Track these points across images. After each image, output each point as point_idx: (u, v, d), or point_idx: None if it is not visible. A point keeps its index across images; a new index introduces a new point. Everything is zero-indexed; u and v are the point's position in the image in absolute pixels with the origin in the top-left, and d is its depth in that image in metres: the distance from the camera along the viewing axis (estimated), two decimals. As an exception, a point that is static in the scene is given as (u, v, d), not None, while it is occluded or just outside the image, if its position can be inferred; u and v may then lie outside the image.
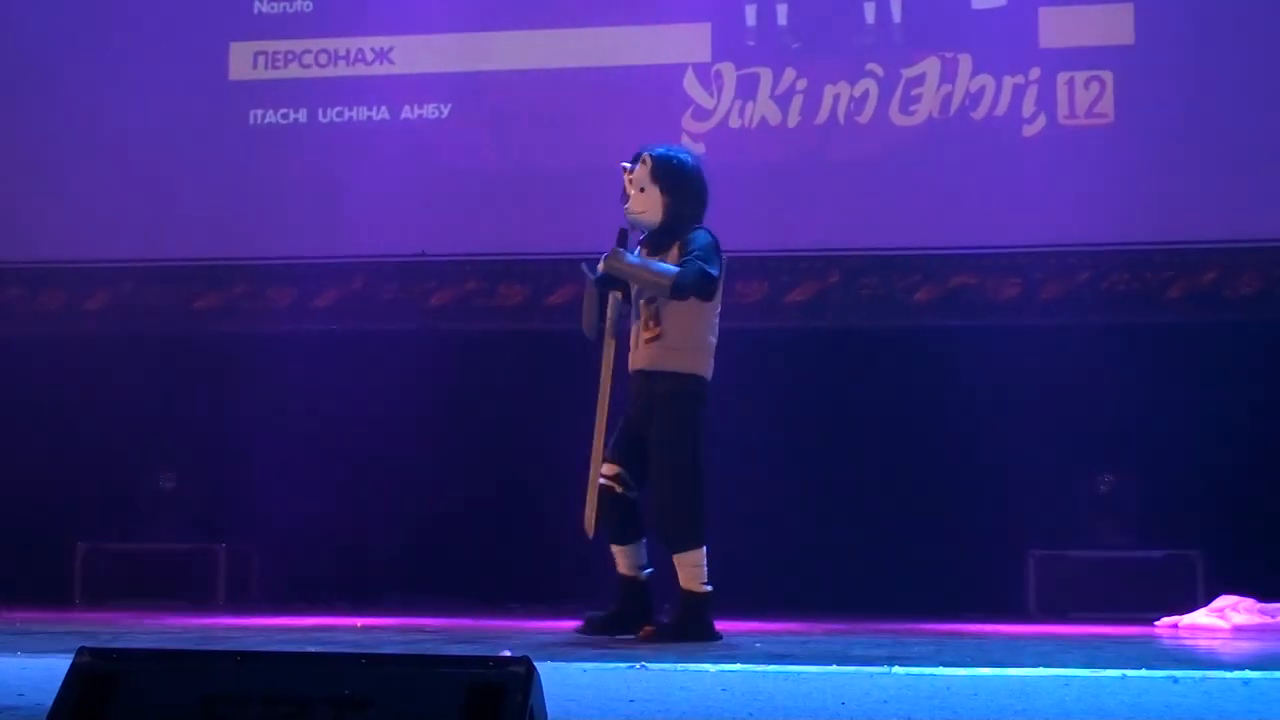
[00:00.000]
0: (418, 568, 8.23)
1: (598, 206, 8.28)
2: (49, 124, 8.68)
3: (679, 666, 3.60)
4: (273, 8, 8.77)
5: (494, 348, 8.39)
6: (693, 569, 5.23)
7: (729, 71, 8.36)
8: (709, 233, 5.39)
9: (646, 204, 5.40)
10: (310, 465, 8.12)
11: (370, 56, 8.65)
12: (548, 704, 2.16)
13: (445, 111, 8.56)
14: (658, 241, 5.41)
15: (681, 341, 5.28)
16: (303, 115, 8.66)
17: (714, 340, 5.39)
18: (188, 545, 8.22)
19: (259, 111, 8.70)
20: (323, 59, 8.70)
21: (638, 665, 3.56)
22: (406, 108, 8.58)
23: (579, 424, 8.03)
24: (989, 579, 7.62)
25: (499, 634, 5.66)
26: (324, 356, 8.29)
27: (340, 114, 8.64)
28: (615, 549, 5.39)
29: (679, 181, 5.41)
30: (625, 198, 5.48)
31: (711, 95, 8.35)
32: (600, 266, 5.40)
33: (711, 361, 5.38)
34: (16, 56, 8.76)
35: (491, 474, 8.26)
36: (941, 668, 3.62)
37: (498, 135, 8.49)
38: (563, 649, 4.59)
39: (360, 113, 8.63)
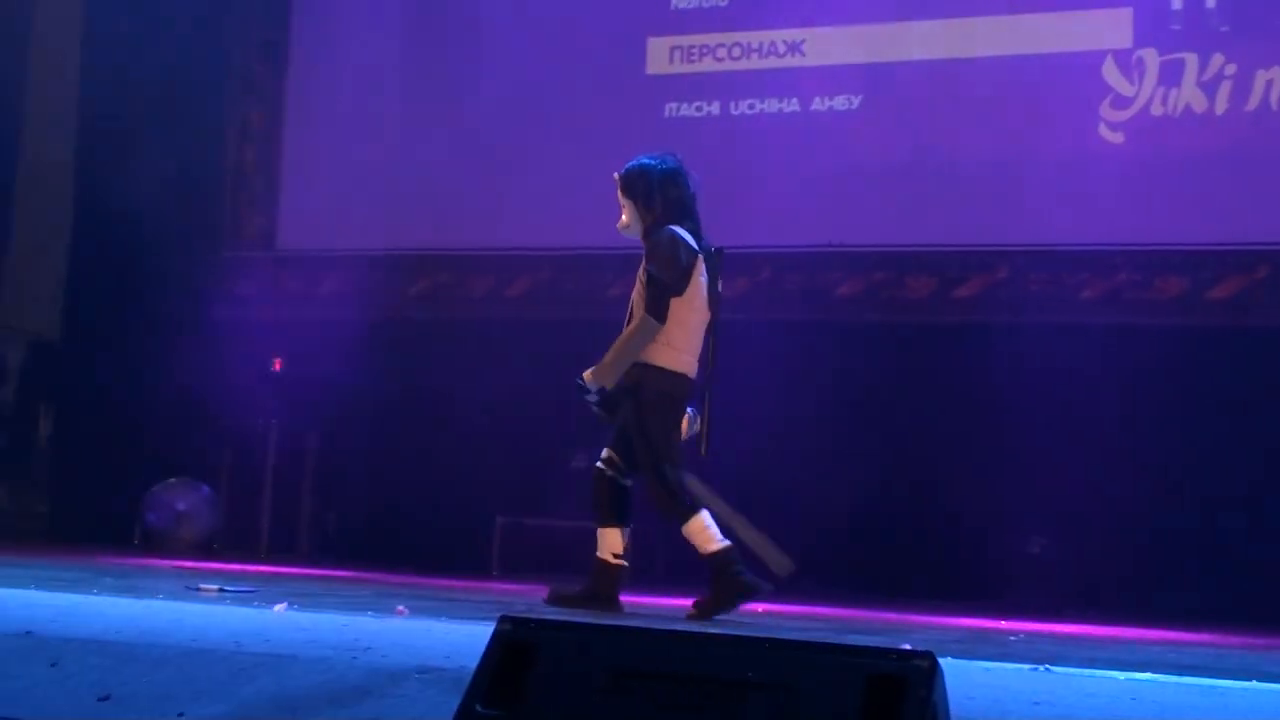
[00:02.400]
0: (817, 555, 8.25)
1: (1011, 197, 8.16)
2: (477, 116, 9.13)
3: (1086, 671, 3.50)
4: (689, 3, 8.97)
5: (899, 341, 8.33)
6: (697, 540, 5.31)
7: (1151, 58, 8.04)
8: (669, 232, 5.38)
9: (628, 219, 5.56)
10: (716, 449, 8.24)
11: (782, 49, 8.73)
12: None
13: (855, 103, 8.56)
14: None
15: None
16: (715, 108, 8.82)
17: (690, 336, 5.43)
18: (597, 523, 8.50)
19: (674, 104, 8.92)
20: (736, 52, 8.84)
21: (1041, 668, 3.48)
22: (817, 99, 8.62)
23: (981, 420, 7.95)
24: None
25: (895, 627, 5.63)
26: (730, 342, 8.41)
27: (751, 106, 8.76)
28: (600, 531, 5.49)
29: (643, 189, 5.50)
30: None
31: (1132, 83, 8.05)
32: (595, 407, 5.49)
33: (679, 355, 5.40)
34: (444, 57, 9.27)
35: (878, 465, 8.20)
36: (1375, 691, 3.38)
37: (908, 126, 8.43)
38: (963, 646, 4.53)
39: (771, 104, 8.72)
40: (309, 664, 2.73)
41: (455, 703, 2.23)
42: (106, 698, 2.68)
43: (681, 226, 5.45)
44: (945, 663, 2.14)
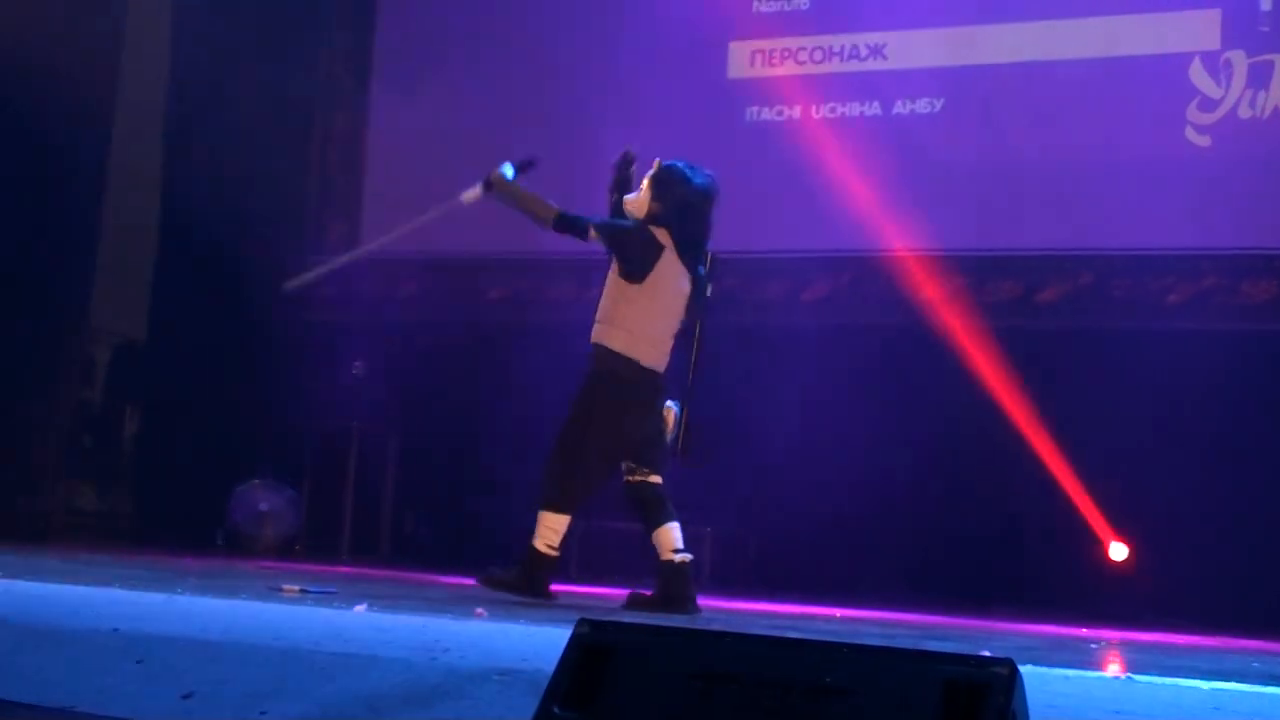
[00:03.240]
0: (899, 560, 8.21)
1: (1096, 201, 8.08)
2: (558, 121, 9.15)
3: (1169, 680, 3.46)
4: (771, 7, 8.95)
5: (982, 346, 8.26)
6: (541, 529, 5.52)
7: (1239, 60, 7.93)
8: (647, 233, 5.55)
9: (639, 200, 5.66)
10: (799, 454, 8.23)
11: (864, 52, 8.69)
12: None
13: (938, 106, 8.51)
14: None
15: (606, 317, 5.56)
16: (796, 112, 8.80)
17: (647, 325, 5.53)
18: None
19: (755, 108, 8.90)
20: (817, 56, 8.81)
21: (1124, 676, 3.45)
22: (899, 103, 8.58)
23: (1064, 426, 7.88)
24: None
25: (976, 634, 5.59)
26: (813, 347, 8.40)
27: (833, 110, 8.72)
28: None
29: (660, 191, 5.62)
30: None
31: (1220, 85, 7.94)
32: (491, 178, 5.84)
33: (635, 342, 5.51)
34: (539, 58, 9.31)
35: (961, 470, 8.14)
36: None
37: (991, 129, 8.36)
38: (1044, 653, 4.49)
39: (853, 108, 8.69)
40: (389, 664, 2.75)
41: (533, 705, 2.23)
42: (190, 695, 2.72)
43: (675, 235, 5.58)
44: (1025, 670, 2.13)
